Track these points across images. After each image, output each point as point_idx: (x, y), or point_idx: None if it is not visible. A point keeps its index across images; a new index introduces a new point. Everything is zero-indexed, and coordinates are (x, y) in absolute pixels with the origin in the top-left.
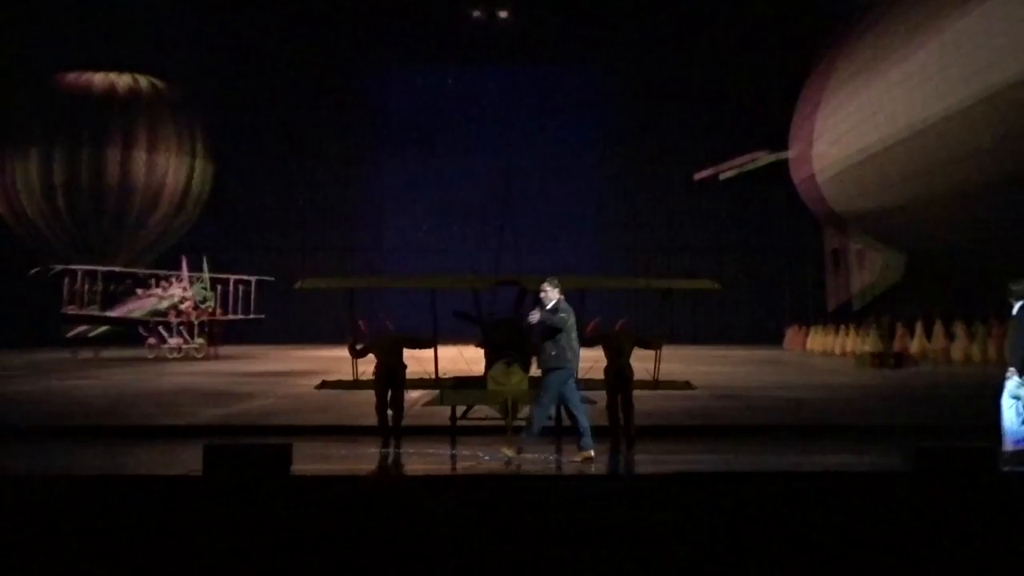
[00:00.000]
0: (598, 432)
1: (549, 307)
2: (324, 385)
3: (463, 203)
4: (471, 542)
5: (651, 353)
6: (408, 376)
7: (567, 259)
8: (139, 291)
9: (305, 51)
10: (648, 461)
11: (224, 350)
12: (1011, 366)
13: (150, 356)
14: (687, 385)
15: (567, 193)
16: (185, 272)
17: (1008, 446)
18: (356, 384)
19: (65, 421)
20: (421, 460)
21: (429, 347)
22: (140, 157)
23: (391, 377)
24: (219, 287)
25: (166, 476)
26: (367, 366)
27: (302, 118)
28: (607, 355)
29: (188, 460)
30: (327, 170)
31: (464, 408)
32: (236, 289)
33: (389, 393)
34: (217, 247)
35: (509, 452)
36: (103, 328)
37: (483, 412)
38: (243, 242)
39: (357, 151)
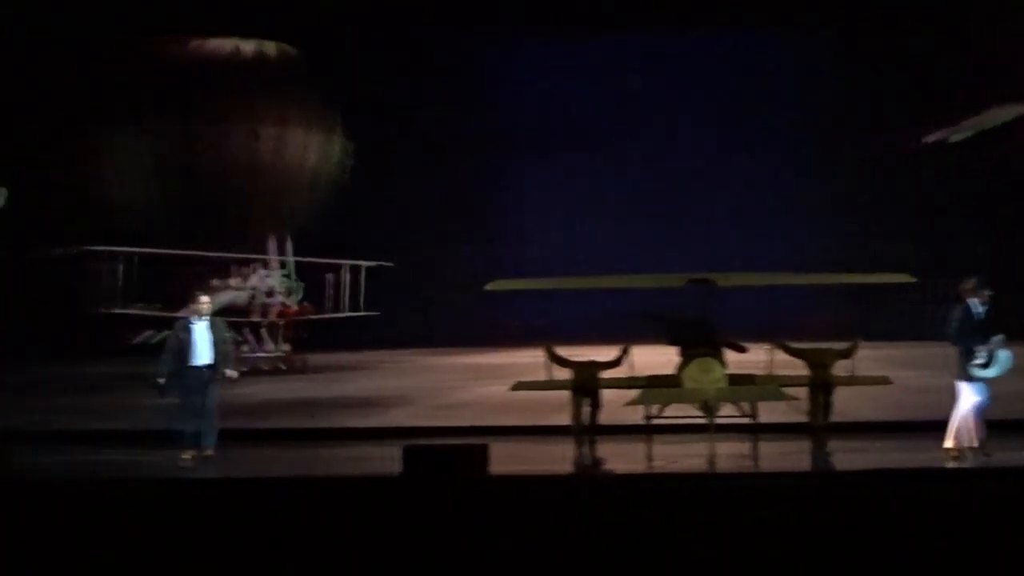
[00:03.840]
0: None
1: None
2: (519, 386)
3: (624, 196)
4: (669, 541)
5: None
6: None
7: (754, 253)
8: (214, 282)
9: (445, 22)
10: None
11: (316, 359)
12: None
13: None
14: (884, 380)
15: (750, 181)
16: (273, 255)
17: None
18: (551, 385)
19: (257, 423)
20: (617, 459)
21: (618, 365)
22: (269, 133)
23: (584, 390)
24: (329, 275)
25: (366, 476)
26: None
27: (440, 96)
28: (809, 368)
29: (385, 462)
30: (465, 153)
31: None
32: (342, 278)
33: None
34: (331, 231)
35: None
36: (165, 333)
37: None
38: (366, 228)
39: (500, 134)
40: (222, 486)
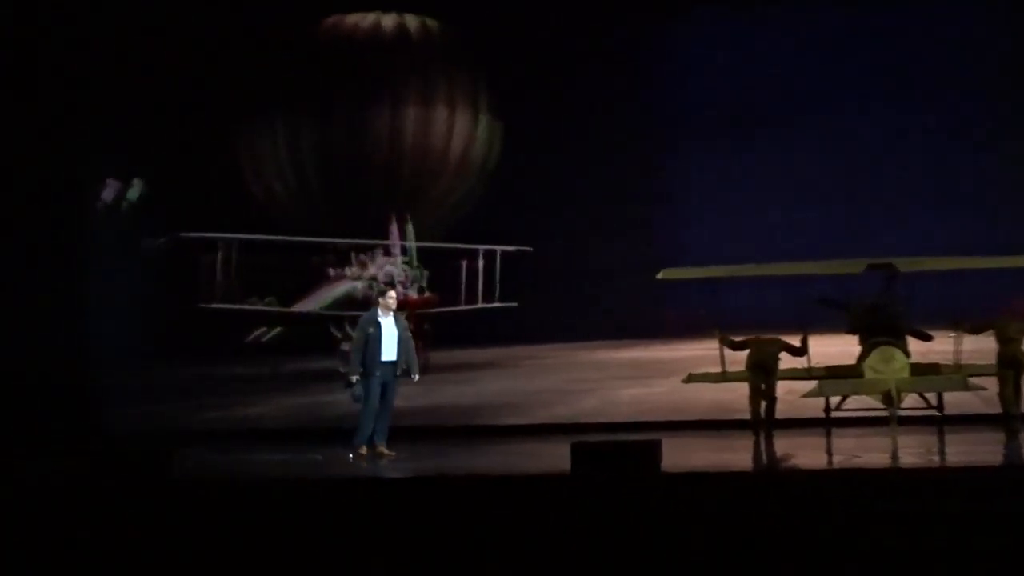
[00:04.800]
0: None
1: None
2: (691, 378)
3: (795, 178)
4: (855, 538)
5: None
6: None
7: (938, 236)
8: (331, 271)
9: None
10: None
11: (440, 357)
12: None
13: (342, 371)
14: None
15: (934, 160)
16: (396, 239)
17: None
18: (725, 377)
19: (435, 421)
20: (796, 454)
21: (803, 354)
22: (410, 114)
23: (763, 368)
24: (463, 262)
25: (535, 475)
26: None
27: (599, 73)
28: (998, 342)
29: (552, 458)
30: (625, 134)
31: (839, 399)
32: (476, 265)
33: (762, 385)
34: (469, 216)
35: None
36: (277, 329)
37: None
38: (507, 213)
39: (663, 115)
40: (407, 484)
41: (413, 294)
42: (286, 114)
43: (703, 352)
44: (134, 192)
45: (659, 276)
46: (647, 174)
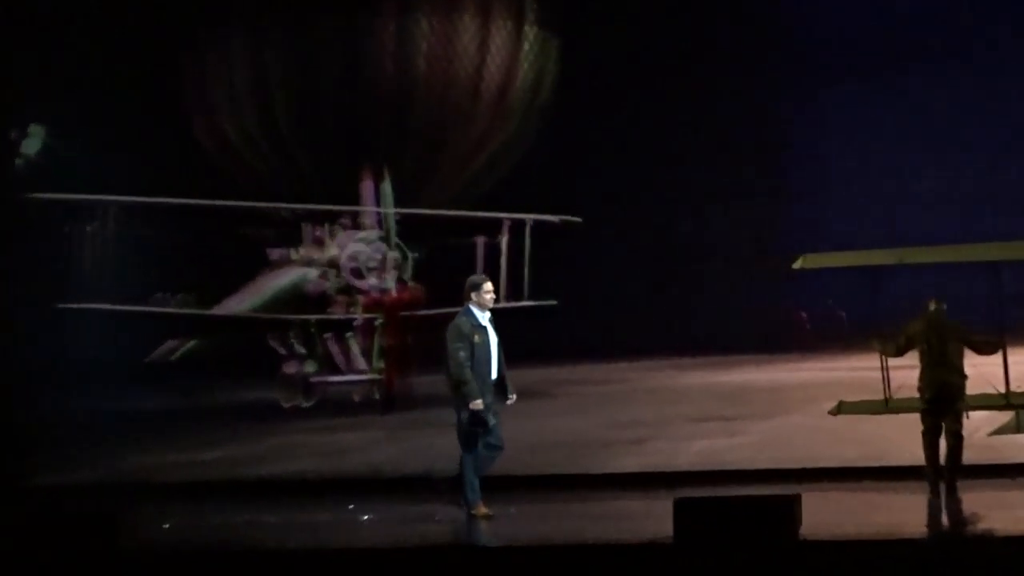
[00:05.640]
0: None
1: None
2: (843, 409)
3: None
4: None
5: None
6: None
7: None
8: (272, 253)
9: None
10: None
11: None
12: None
13: (285, 405)
14: None
15: None
16: (370, 205)
17: None
18: (889, 405)
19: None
20: (984, 514)
21: (995, 351)
22: (424, 25)
23: (942, 394)
24: (479, 239)
25: (631, 544)
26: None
27: None
28: None
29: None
30: (723, 71)
31: None
32: (499, 243)
33: (942, 420)
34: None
35: None
36: (192, 343)
37: None
38: (566, 171)
39: (779, 49)
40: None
41: (391, 287)
42: (246, 26)
43: (839, 371)
44: (32, 144)
45: (796, 265)
46: (759, 122)
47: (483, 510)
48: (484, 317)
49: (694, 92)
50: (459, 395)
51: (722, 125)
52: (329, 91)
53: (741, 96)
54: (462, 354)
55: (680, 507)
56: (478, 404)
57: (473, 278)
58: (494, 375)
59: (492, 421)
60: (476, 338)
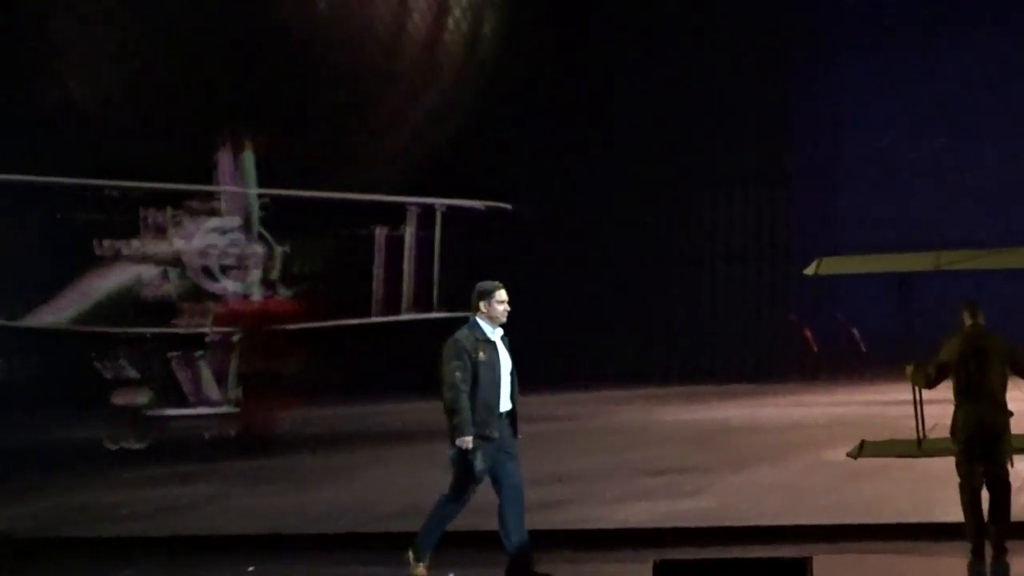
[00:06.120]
0: None
1: None
2: (865, 450)
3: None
4: None
5: None
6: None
7: None
8: (99, 245)
9: None
10: None
11: (317, 417)
12: None
13: (111, 446)
14: None
15: None
16: (229, 183)
17: None
18: (922, 447)
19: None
20: None
21: None
22: None
23: (987, 435)
24: (377, 229)
25: None
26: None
27: None
28: None
29: None
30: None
31: None
32: (404, 235)
33: (983, 466)
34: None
35: None
36: None
37: None
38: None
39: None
40: None
41: (255, 292)
42: None
43: (849, 406)
44: None
45: (809, 271)
46: (762, 92)
47: (423, 572)
48: (494, 332)
49: (676, 46)
50: (450, 426)
51: (712, 88)
52: (208, 32)
53: (744, 54)
54: (458, 375)
55: (660, 570)
56: (467, 442)
57: (482, 284)
58: (505, 403)
59: (481, 466)
60: (481, 354)
